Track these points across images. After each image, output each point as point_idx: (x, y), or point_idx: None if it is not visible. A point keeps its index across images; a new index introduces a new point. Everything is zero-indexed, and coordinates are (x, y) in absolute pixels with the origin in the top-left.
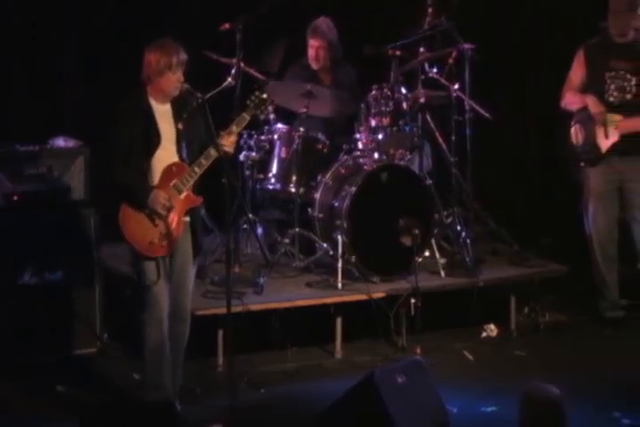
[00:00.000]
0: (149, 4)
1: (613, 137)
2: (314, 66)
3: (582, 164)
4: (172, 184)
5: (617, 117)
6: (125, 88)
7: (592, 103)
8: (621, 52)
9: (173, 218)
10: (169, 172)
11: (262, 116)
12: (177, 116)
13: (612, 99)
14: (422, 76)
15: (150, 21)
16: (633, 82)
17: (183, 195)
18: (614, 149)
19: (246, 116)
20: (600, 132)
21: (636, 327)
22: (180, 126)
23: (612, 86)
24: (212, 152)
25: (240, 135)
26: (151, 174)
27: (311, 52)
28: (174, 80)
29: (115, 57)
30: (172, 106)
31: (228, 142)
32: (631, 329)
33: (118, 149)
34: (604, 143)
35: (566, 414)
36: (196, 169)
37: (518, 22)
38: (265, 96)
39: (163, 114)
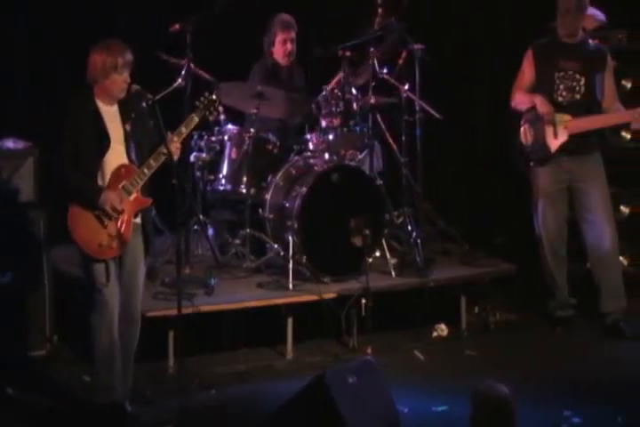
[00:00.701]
0: (98, 4)
1: (562, 137)
2: (286, 61)
3: (532, 163)
4: (121, 186)
5: (566, 117)
6: (75, 88)
7: (540, 103)
8: (570, 53)
9: (123, 219)
10: (118, 173)
11: (211, 118)
12: (124, 117)
13: (560, 99)
14: (372, 81)
15: (99, 21)
16: (582, 82)
17: (132, 196)
18: (563, 148)
19: (195, 118)
20: (549, 132)
21: (586, 326)
22: (128, 127)
23: (562, 86)
24: (162, 153)
25: (190, 136)
26: (101, 176)
27: (286, 47)
28: (120, 81)
29: (63, 57)
30: (119, 107)
31: (173, 148)
32: (581, 328)
33: (66, 151)
34: (553, 143)
35: (516, 413)
36: (145, 171)
37: (466, 22)
38: (214, 97)
39: (110, 115)
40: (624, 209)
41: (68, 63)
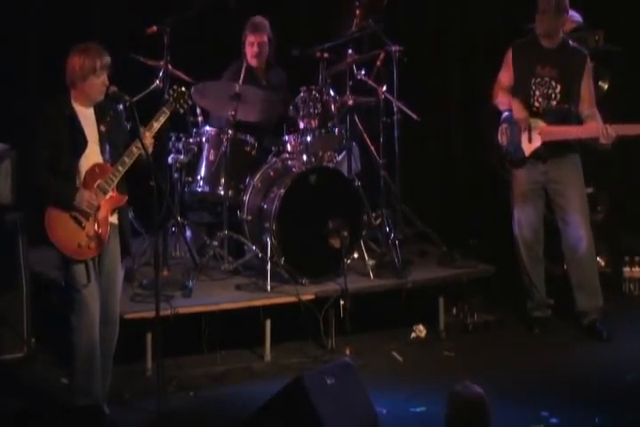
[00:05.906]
0: (76, 6)
1: (536, 142)
2: (255, 63)
3: (508, 164)
4: (96, 185)
5: (540, 123)
6: (53, 91)
7: (516, 109)
8: (548, 59)
9: (100, 218)
10: (92, 173)
11: (182, 110)
12: (100, 118)
13: (537, 104)
14: (350, 82)
15: (74, 22)
16: (558, 89)
17: (108, 195)
18: (537, 153)
19: (166, 111)
20: (524, 136)
21: (563, 327)
22: (103, 128)
23: (537, 93)
24: (135, 150)
25: (168, 138)
26: (77, 177)
27: (253, 49)
28: (99, 84)
29: (42, 59)
30: (94, 108)
31: (147, 142)
32: (558, 328)
33: (40, 153)
34: (528, 147)
35: (490, 413)
36: (120, 168)
37: (442, 22)
38: (184, 89)
39: (87, 117)
40: (600, 210)
41: (42, 65)
